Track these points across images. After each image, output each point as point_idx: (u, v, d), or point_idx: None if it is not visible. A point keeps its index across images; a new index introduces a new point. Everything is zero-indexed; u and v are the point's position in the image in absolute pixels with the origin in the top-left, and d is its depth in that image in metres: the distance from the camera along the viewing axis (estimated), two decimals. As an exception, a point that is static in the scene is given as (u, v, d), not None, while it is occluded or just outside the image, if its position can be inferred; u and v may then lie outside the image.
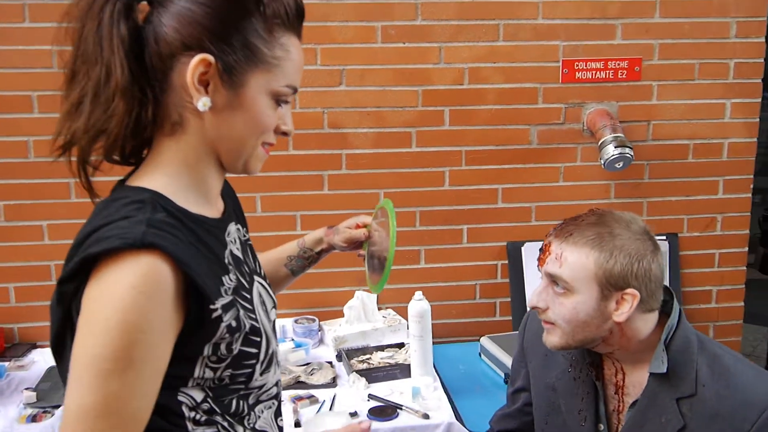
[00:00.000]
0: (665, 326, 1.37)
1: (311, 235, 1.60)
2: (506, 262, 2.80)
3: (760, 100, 2.89)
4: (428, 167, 2.72)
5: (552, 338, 1.39)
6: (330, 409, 2.08)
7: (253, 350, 1.02)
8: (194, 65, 0.94)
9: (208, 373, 0.98)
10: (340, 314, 2.66)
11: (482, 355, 2.58)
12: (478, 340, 2.62)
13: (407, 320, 2.61)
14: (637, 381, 1.41)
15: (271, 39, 0.99)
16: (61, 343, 0.95)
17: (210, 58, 0.94)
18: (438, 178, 2.73)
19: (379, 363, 2.35)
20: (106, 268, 0.87)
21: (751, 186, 2.94)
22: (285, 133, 1.06)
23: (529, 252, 2.76)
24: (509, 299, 2.80)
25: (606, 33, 2.73)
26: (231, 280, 1.01)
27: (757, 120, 2.90)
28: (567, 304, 1.34)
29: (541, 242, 2.71)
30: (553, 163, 2.79)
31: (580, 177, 2.81)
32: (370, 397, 2.16)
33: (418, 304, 2.22)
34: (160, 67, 0.95)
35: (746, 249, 2.99)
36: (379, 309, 2.71)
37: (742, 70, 2.83)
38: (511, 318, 2.79)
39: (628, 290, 1.31)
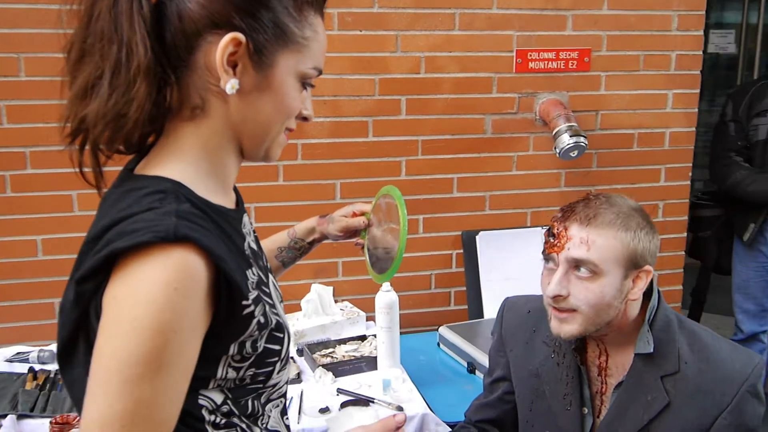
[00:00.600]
0: (648, 307, 1.42)
1: (302, 225, 1.55)
2: (461, 251, 2.81)
3: (698, 91, 3.00)
4: (385, 157, 2.69)
5: (569, 327, 1.37)
6: (299, 407, 2.03)
7: (277, 347, 0.97)
8: (224, 44, 0.87)
9: (231, 374, 0.92)
10: (298, 308, 2.61)
11: (441, 345, 2.58)
12: (436, 330, 2.62)
13: (365, 312, 2.60)
14: (620, 362, 1.45)
15: (301, 18, 0.93)
16: (72, 347, 0.87)
17: (241, 36, 0.88)
18: (395, 168, 2.70)
19: (344, 356, 2.31)
20: (133, 263, 0.80)
21: (690, 174, 3.06)
22: (306, 118, 1.01)
23: (484, 241, 2.78)
24: (464, 288, 2.81)
25: (557, 24, 2.76)
26: (254, 274, 0.95)
27: (696, 110, 3.01)
28: (593, 288, 1.34)
29: (495, 231, 2.75)
30: (506, 153, 2.81)
31: (533, 166, 2.85)
32: (339, 391, 2.12)
33: (387, 295, 2.20)
34: (183, 45, 0.88)
35: (685, 234, 3.11)
36: (336, 302, 2.67)
37: (682, 61, 2.93)
38: (467, 307, 2.80)
39: (645, 267, 1.37)
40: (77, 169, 0.92)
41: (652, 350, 1.38)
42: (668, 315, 1.44)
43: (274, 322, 0.96)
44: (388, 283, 2.23)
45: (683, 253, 3.13)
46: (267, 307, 0.95)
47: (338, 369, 2.23)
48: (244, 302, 0.89)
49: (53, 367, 2.21)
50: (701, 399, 1.37)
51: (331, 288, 2.63)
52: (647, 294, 1.45)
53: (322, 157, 2.63)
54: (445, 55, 2.67)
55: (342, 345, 2.38)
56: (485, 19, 2.68)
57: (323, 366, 2.22)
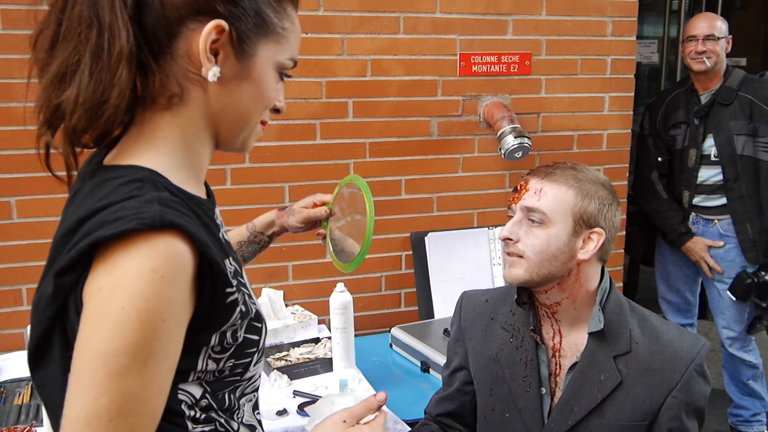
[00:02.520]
0: (599, 289, 1.48)
1: (261, 219, 1.53)
2: (410, 252, 2.83)
3: (633, 93, 3.11)
4: (333, 159, 2.69)
5: (516, 271, 1.44)
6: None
7: (255, 337, 0.96)
8: (208, 31, 0.86)
9: (211, 365, 0.91)
10: (248, 313, 2.57)
11: (393, 346, 2.58)
12: (388, 332, 2.63)
13: (317, 315, 2.58)
14: (573, 343, 1.49)
15: (280, 9, 0.94)
16: (47, 344, 0.84)
17: (224, 24, 0.87)
18: (343, 170, 2.70)
19: (299, 359, 2.29)
20: (117, 253, 0.77)
21: (627, 174, 3.17)
22: (278, 110, 1.01)
23: (433, 242, 2.80)
24: (414, 289, 2.83)
25: (499, 28, 2.83)
26: (231, 264, 0.94)
27: (631, 113, 3.13)
28: (541, 235, 1.42)
29: (444, 231, 2.78)
30: (452, 155, 2.85)
31: (478, 167, 2.90)
32: (296, 393, 2.10)
33: (341, 296, 2.19)
34: (165, 32, 0.86)
35: (624, 233, 3.21)
36: (287, 306, 2.64)
37: (617, 66, 3.04)
38: (417, 308, 2.82)
39: (596, 229, 1.42)
40: (43, 156, 0.89)
41: (602, 326, 1.44)
42: (620, 299, 1.50)
43: (253, 311, 0.95)
44: (342, 284, 2.23)
45: (622, 251, 3.23)
46: (246, 296, 0.94)
47: (293, 372, 2.20)
48: (228, 289, 0.88)
49: (-6, 380, 2.12)
50: (652, 378, 1.43)
51: (281, 292, 2.60)
52: (600, 277, 1.50)
53: (270, 161, 2.61)
54: (390, 58, 2.70)
55: (296, 348, 2.36)
56: (429, 23, 2.73)
57: (278, 369, 2.19)
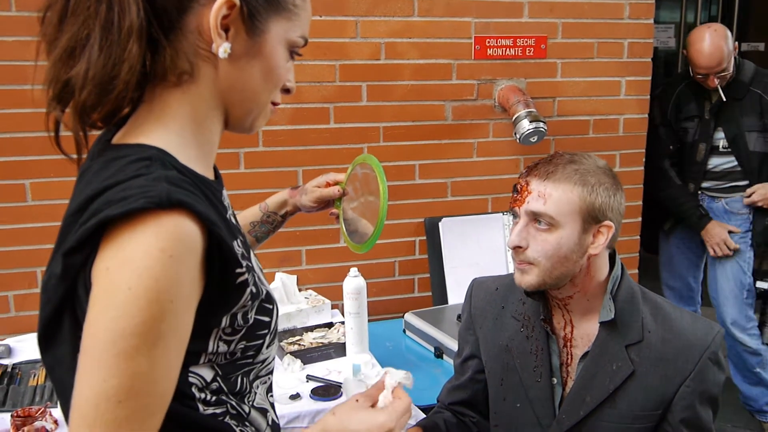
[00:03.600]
0: (610, 277, 1.44)
1: (273, 199, 1.51)
2: (424, 238, 2.82)
3: (650, 78, 3.07)
4: (347, 144, 2.68)
5: (528, 278, 1.41)
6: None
7: (266, 319, 0.95)
8: (219, 6, 0.85)
9: (222, 347, 0.90)
10: (261, 297, 2.57)
11: (407, 331, 2.58)
12: (401, 317, 2.62)
13: (330, 300, 2.58)
14: (584, 333, 1.47)
15: None
16: (56, 325, 0.83)
17: None
18: (356, 154, 2.64)
19: (312, 344, 2.29)
20: (125, 232, 0.76)
21: (644, 159, 3.13)
22: (288, 90, 0.99)
23: (447, 227, 2.79)
24: (428, 275, 2.82)
25: (514, 11, 2.80)
26: (239, 245, 0.92)
27: (648, 97, 3.09)
28: (550, 239, 1.37)
29: (458, 217, 2.77)
30: (467, 139, 2.83)
31: (493, 152, 2.87)
32: (309, 378, 2.09)
33: (354, 281, 2.18)
34: (175, 7, 0.85)
35: (640, 219, 3.19)
36: (300, 290, 2.64)
37: (634, 49, 3.00)
38: (431, 293, 2.81)
39: (605, 222, 1.38)
40: (53, 135, 0.88)
41: (613, 317, 1.41)
42: (632, 286, 1.47)
43: (263, 292, 0.94)
44: (356, 269, 2.22)
45: (638, 237, 3.21)
46: (256, 278, 0.93)
47: (306, 356, 2.20)
48: (239, 270, 0.87)
49: (9, 361, 2.13)
50: (664, 367, 1.40)
51: (295, 277, 2.60)
52: (611, 264, 1.47)
53: (284, 144, 2.60)
54: (405, 41, 2.68)
55: (309, 332, 2.36)
56: (444, 5, 2.70)
57: (291, 353, 2.19)
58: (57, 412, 1.79)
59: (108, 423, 0.75)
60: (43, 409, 1.76)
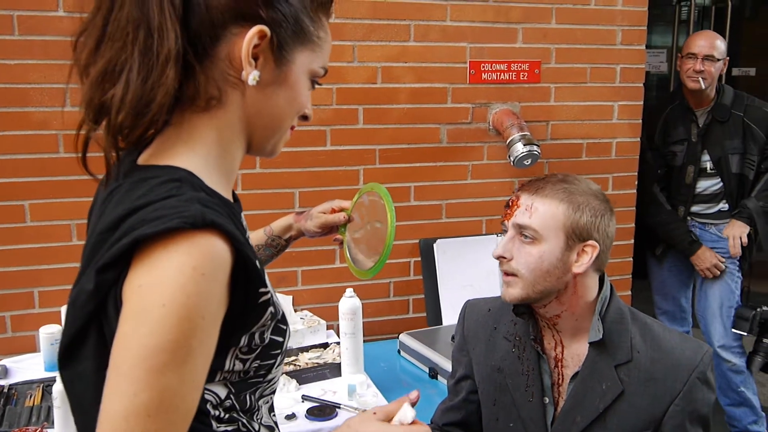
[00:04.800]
0: (599, 298, 1.47)
1: (278, 223, 1.54)
2: (419, 259, 2.84)
3: (642, 102, 3.12)
4: (343, 166, 2.71)
5: (512, 290, 1.44)
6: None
7: (280, 339, 0.97)
8: (251, 35, 0.89)
9: (238, 366, 0.92)
10: (257, 318, 2.58)
11: (402, 352, 2.59)
12: (396, 338, 2.64)
13: (325, 321, 2.60)
14: (575, 353, 1.49)
15: (316, 18, 0.97)
16: (81, 341, 0.85)
17: (267, 30, 0.90)
18: (353, 176, 2.72)
19: (307, 364, 2.30)
20: (158, 250, 0.79)
21: (636, 182, 3.17)
22: (306, 117, 1.03)
23: (441, 249, 2.81)
24: (423, 296, 2.84)
25: (509, 36, 2.84)
26: (258, 266, 0.95)
27: (640, 121, 3.13)
28: (533, 252, 1.41)
29: (451, 238, 2.79)
30: (461, 162, 2.86)
31: (487, 175, 2.91)
32: (304, 398, 2.11)
33: (350, 301, 2.21)
34: (209, 35, 0.89)
35: (632, 241, 3.22)
36: (296, 311, 2.66)
37: (626, 74, 3.05)
38: (425, 314, 2.83)
39: (590, 242, 1.41)
40: (80, 156, 0.91)
41: (601, 337, 1.43)
42: (621, 307, 1.49)
43: (280, 312, 0.97)
44: (352, 290, 2.24)
45: (631, 259, 3.23)
46: (274, 297, 0.96)
47: (302, 376, 2.21)
48: (262, 289, 0.89)
49: (6, 381, 2.14)
50: (654, 386, 1.42)
51: (290, 297, 2.62)
52: (600, 286, 1.50)
53: (281, 166, 2.63)
54: (401, 66, 2.72)
55: (305, 353, 2.37)
56: (439, 31, 2.74)
57: (287, 373, 2.20)
58: (53, 432, 1.80)
59: None
60: (39, 429, 1.77)
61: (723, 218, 3.23)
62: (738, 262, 3.23)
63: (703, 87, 3.06)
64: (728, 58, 3.15)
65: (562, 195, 1.41)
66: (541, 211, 1.40)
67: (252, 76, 0.90)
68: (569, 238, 1.40)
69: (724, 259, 3.21)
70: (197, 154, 0.92)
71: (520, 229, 1.42)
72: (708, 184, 3.21)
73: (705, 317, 3.29)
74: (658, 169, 3.24)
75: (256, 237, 1.53)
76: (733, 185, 3.16)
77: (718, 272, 3.20)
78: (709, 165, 3.18)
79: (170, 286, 0.78)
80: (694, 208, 3.25)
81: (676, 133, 3.20)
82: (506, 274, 1.45)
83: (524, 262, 1.41)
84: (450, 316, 2.76)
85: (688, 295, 3.45)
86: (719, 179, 3.18)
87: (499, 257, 1.45)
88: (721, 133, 3.12)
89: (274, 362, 0.98)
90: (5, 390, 2.06)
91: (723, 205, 3.22)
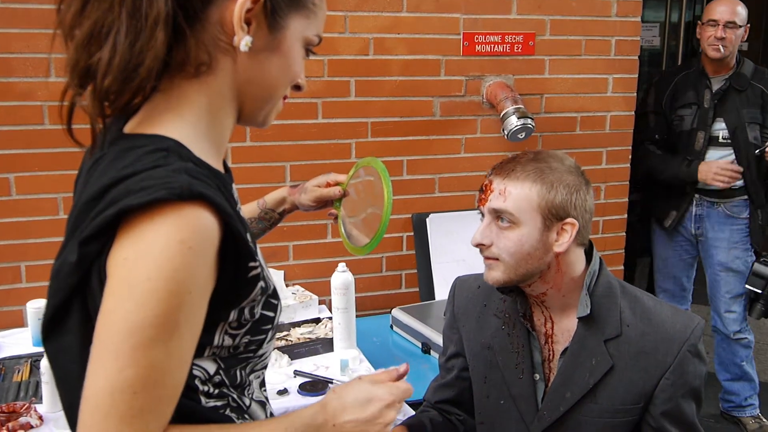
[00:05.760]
0: (587, 272, 1.45)
1: (272, 196, 1.51)
2: (411, 233, 2.82)
3: (637, 75, 3.09)
4: (335, 139, 2.67)
5: (495, 273, 1.42)
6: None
7: (271, 314, 0.95)
8: (243, 0, 0.85)
9: (227, 341, 0.90)
10: (248, 293, 2.56)
11: (394, 327, 2.58)
12: (388, 313, 2.62)
13: (317, 296, 2.58)
14: (565, 328, 1.48)
15: None
16: (64, 313, 0.83)
17: None
18: (344, 150, 2.68)
19: (299, 339, 2.28)
20: (144, 222, 0.76)
21: (630, 156, 3.15)
22: (299, 87, 1.00)
23: (434, 223, 2.79)
24: (415, 271, 2.82)
25: (503, 7, 2.80)
26: (248, 239, 0.92)
27: (635, 94, 3.10)
28: (512, 237, 1.38)
29: (444, 213, 2.77)
30: (454, 135, 2.83)
31: (480, 148, 2.88)
32: (296, 373, 2.09)
33: (342, 276, 2.18)
34: None
35: (626, 216, 3.20)
36: (287, 286, 2.64)
37: (621, 47, 3.02)
38: (418, 289, 2.81)
39: (568, 220, 1.39)
40: (65, 126, 0.88)
41: (588, 312, 1.42)
42: (610, 281, 1.47)
43: (271, 287, 0.95)
44: (344, 264, 2.21)
45: (624, 234, 3.22)
46: (265, 272, 0.94)
47: (294, 351, 2.20)
48: (252, 263, 0.87)
49: (-7, 356, 2.11)
50: (644, 360, 1.41)
51: (282, 272, 2.59)
52: (589, 260, 1.48)
53: (271, 139, 2.59)
54: (393, 37, 2.67)
55: (297, 328, 2.35)
56: (432, 2, 2.69)
57: (279, 348, 2.18)
58: (41, 408, 1.77)
59: (123, 413, 0.75)
60: (27, 405, 1.75)
61: (734, 196, 3.08)
62: (750, 246, 3.10)
63: (723, 54, 2.95)
64: (749, 24, 3.05)
65: (534, 176, 1.38)
66: (514, 194, 1.37)
67: (244, 41, 0.87)
68: (546, 218, 1.37)
69: (729, 166, 3.00)
70: (186, 121, 0.89)
71: (496, 213, 1.39)
72: (719, 155, 3.05)
73: (716, 297, 3.21)
74: (656, 133, 3.15)
75: (248, 210, 1.50)
76: (749, 158, 3.00)
77: (729, 175, 2.97)
78: (723, 134, 3.03)
79: (156, 260, 0.75)
80: (701, 183, 3.08)
81: (686, 97, 3.08)
82: (487, 258, 1.43)
83: (504, 247, 1.39)
84: (442, 291, 2.74)
85: (690, 275, 3.35)
86: (731, 150, 3.03)
87: (478, 245, 1.42)
88: (739, 101, 2.99)
89: (265, 337, 0.96)
90: (-8, 365, 2.04)
91: (733, 184, 3.03)
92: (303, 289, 2.65)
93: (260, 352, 0.98)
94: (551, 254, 1.40)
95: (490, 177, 1.42)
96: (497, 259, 1.40)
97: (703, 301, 3.47)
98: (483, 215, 1.44)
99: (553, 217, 1.38)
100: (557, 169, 1.39)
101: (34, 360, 2.05)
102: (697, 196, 3.14)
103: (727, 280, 3.15)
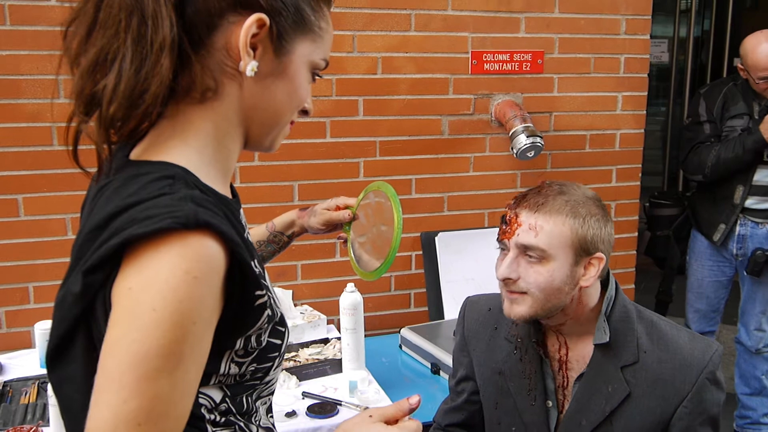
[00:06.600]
0: (605, 297, 1.43)
1: (281, 219, 1.50)
2: (420, 252, 2.80)
3: (646, 93, 3.07)
4: (343, 158, 2.66)
5: (520, 309, 1.39)
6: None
7: (278, 341, 0.94)
8: (249, 24, 0.84)
9: (233, 369, 0.88)
10: (256, 313, 2.55)
11: (403, 347, 2.55)
12: (397, 332, 2.60)
13: (325, 315, 2.56)
14: (580, 355, 1.45)
15: (317, 8, 0.92)
16: (69, 343, 0.81)
17: (266, 18, 0.85)
18: (353, 169, 2.68)
19: (308, 360, 2.26)
20: (149, 251, 0.75)
21: (640, 174, 3.13)
22: (306, 112, 0.98)
23: (443, 242, 2.77)
24: (424, 290, 2.80)
25: (511, 26, 2.79)
26: (256, 265, 0.91)
27: (644, 112, 3.09)
28: (543, 272, 1.36)
29: (453, 231, 2.75)
30: (463, 153, 2.82)
31: (489, 167, 2.86)
32: (305, 395, 2.07)
33: (351, 296, 2.16)
34: (205, 24, 0.85)
35: (636, 234, 3.18)
36: (295, 305, 2.62)
37: (631, 65, 3.00)
38: (426, 308, 2.79)
39: (597, 254, 1.37)
40: (71, 147, 0.87)
41: (608, 339, 1.39)
42: (626, 305, 1.45)
43: (278, 315, 0.93)
44: (353, 284, 2.20)
45: (635, 252, 3.19)
46: (272, 299, 0.92)
47: (302, 372, 2.18)
48: (258, 292, 0.86)
49: (1, 378, 2.10)
50: (661, 388, 1.39)
51: (290, 292, 2.58)
52: (604, 285, 1.46)
53: (280, 159, 2.59)
54: (401, 56, 2.67)
55: (305, 348, 2.33)
56: (441, 21, 2.69)
57: (287, 370, 2.16)
58: (48, 431, 1.76)
59: None
60: (35, 428, 1.74)
61: None
62: None
63: None
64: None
65: (566, 209, 1.35)
66: (546, 229, 1.34)
67: (250, 66, 0.86)
68: (577, 253, 1.35)
69: None
70: (192, 148, 0.88)
71: (526, 249, 1.36)
72: (765, 174, 2.94)
73: (746, 312, 3.13)
74: (712, 139, 2.99)
75: (257, 233, 1.49)
76: None
77: None
78: (766, 152, 2.90)
79: (161, 290, 0.74)
80: (748, 202, 2.97)
81: (737, 107, 2.97)
82: (512, 292, 1.40)
83: (533, 282, 1.36)
84: (452, 310, 2.72)
85: (723, 296, 3.24)
86: None
87: (505, 279, 1.39)
88: None
89: (272, 365, 0.94)
90: (0, 387, 2.02)
91: None
92: (311, 308, 2.64)
93: (267, 379, 0.96)
94: (577, 288, 1.38)
95: (516, 210, 1.39)
96: (525, 293, 1.38)
97: (727, 320, 3.41)
98: (502, 247, 1.41)
99: (583, 252, 1.35)
100: (585, 202, 1.37)
101: (41, 382, 2.04)
102: (742, 216, 3.03)
103: (765, 299, 3.08)
